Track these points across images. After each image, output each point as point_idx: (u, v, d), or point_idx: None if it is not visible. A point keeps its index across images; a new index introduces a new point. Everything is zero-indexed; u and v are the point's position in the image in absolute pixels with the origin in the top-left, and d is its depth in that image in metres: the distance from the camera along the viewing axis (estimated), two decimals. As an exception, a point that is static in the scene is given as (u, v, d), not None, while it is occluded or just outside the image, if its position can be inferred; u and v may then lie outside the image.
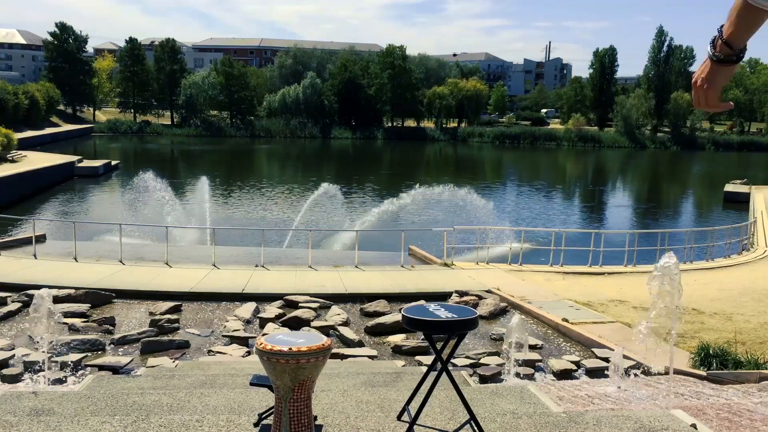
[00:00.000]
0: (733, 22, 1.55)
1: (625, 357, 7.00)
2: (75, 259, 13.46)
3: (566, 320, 9.64)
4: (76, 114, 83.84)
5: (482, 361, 7.90)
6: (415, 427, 3.08)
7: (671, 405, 4.50)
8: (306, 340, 2.79)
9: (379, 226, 21.84)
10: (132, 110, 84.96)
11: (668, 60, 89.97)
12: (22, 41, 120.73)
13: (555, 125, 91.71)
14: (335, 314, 9.88)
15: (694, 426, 3.37)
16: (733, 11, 1.55)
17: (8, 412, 3.74)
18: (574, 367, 7.85)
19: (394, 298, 10.93)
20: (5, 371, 6.99)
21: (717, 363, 7.06)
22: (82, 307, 9.78)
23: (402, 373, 5.64)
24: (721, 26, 1.60)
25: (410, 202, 23.68)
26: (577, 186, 47.39)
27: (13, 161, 34.93)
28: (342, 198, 27.31)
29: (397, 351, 8.47)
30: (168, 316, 9.52)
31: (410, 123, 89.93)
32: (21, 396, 4.09)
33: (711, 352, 7.28)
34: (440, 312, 3.17)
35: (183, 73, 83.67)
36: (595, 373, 7.61)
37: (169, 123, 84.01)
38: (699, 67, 1.72)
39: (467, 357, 8.04)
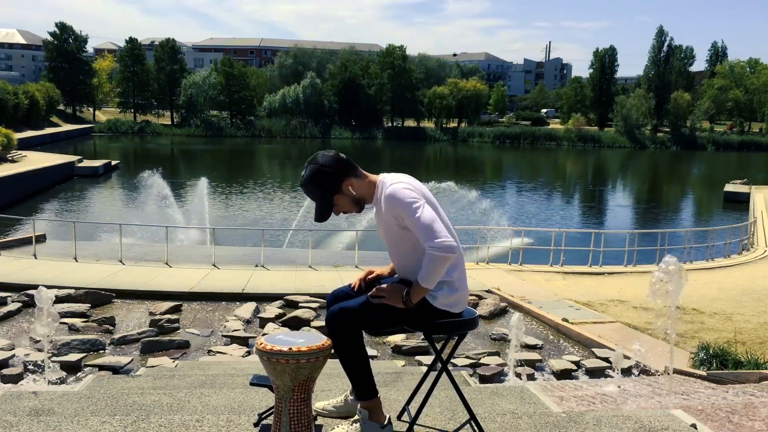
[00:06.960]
0: (417, 293, 2.91)
1: (625, 357, 7.00)
2: (75, 259, 13.46)
3: (566, 320, 9.64)
4: (76, 114, 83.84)
5: (482, 361, 7.90)
6: (415, 427, 3.08)
7: (671, 405, 4.50)
8: (306, 340, 2.79)
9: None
10: (132, 110, 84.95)
11: (668, 60, 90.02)
12: (22, 41, 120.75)
13: (555, 125, 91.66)
14: (335, 314, 9.86)
15: (694, 426, 3.37)
16: (418, 288, 2.90)
17: (8, 412, 3.74)
18: (574, 367, 7.85)
19: (394, 298, 10.90)
20: (5, 371, 6.98)
21: (717, 363, 7.05)
22: (82, 307, 9.78)
23: (402, 373, 5.64)
24: (408, 292, 2.93)
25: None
26: (577, 186, 47.37)
27: (13, 161, 34.92)
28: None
29: (397, 351, 8.47)
30: (168, 316, 9.52)
31: (410, 123, 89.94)
32: (21, 396, 4.09)
33: (711, 352, 7.27)
34: (440, 312, 3.15)
35: (183, 73, 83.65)
36: (595, 373, 7.61)
37: (170, 123, 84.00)
38: (391, 292, 3.01)
39: (467, 357, 8.03)
